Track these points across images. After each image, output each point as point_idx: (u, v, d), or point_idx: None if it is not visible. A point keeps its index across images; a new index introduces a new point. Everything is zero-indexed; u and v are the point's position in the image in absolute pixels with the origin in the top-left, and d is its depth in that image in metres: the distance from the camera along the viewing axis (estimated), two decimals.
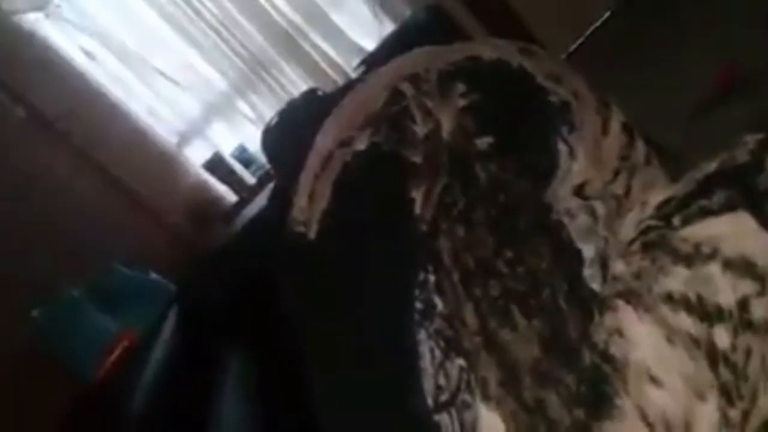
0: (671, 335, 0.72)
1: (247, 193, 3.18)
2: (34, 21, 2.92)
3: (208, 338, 1.86)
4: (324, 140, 1.10)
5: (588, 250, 0.84)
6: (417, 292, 0.91)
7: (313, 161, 1.10)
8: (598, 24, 3.36)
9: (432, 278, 0.91)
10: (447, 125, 0.99)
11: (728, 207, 0.74)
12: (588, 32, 3.37)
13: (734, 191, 0.75)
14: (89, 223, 2.48)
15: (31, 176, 2.33)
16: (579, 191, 0.89)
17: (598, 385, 0.75)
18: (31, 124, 2.48)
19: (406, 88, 1.04)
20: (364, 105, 1.08)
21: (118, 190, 2.77)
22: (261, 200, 2.72)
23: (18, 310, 1.91)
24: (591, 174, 0.90)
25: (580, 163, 0.91)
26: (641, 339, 0.74)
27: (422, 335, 0.89)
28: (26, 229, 2.16)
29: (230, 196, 3.24)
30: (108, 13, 3.39)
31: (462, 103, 1.00)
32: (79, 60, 3.08)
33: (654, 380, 0.71)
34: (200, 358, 1.77)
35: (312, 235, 1.06)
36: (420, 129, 1.00)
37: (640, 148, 0.93)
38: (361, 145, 1.04)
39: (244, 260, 2.03)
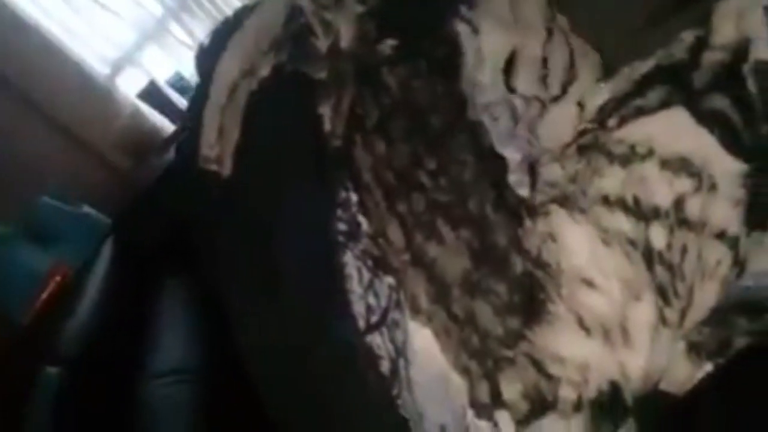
0: (607, 237, 0.70)
1: (184, 122, 3.07)
2: None
3: (144, 269, 1.81)
4: (227, 70, 1.06)
5: (512, 155, 0.80)
6: (339, 212, 0.87)
7: (218, 93, 1.06)
8: None
9: (354, 197, 0.87)
10: (346, 34, 0.96)
11: (664, 104, 0.72)
12: None
13: (670, 88, 0.73)
14: (18, 156, 2.36)
15: None
16: (509, 67, 0.84)
17: (531, 292, 0.72)
18: None
19: (305, 3, 1.02)
20: (266, 29, 1.05)
21: (49, 122, 2.65)
22: None
23: None
24: (517, 40, 0.84)
25: (488, 35, 0.86)
26: (575, 242, 0.71)
27: (348, 257, 0.85)
28: None
29: (167, 126, 3.13)
30: None
31: (359, 9, 0.97)
32: None
33: (589, 283, 0.69)
34: (137, 289, 1.72)
35: (226, 172, 1.03)
36: (322, 43, 0.98)
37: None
38: (264, 71, 1.02)
39: (168, 200, 1.99)
